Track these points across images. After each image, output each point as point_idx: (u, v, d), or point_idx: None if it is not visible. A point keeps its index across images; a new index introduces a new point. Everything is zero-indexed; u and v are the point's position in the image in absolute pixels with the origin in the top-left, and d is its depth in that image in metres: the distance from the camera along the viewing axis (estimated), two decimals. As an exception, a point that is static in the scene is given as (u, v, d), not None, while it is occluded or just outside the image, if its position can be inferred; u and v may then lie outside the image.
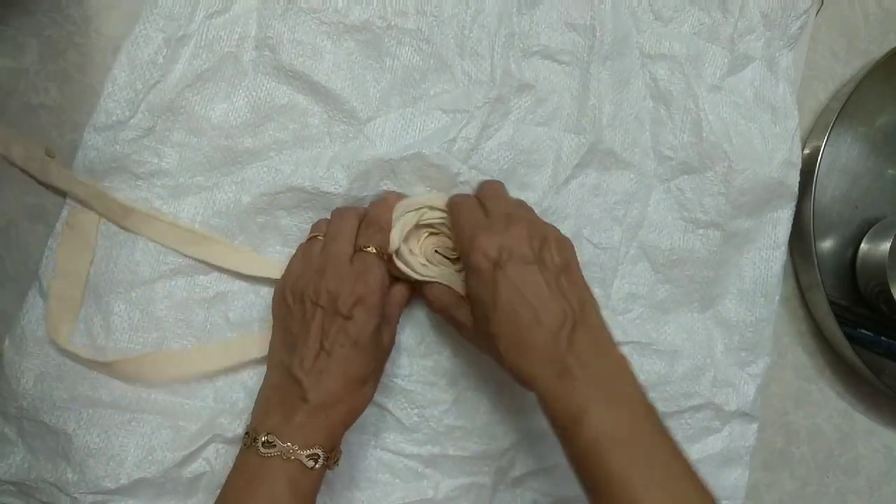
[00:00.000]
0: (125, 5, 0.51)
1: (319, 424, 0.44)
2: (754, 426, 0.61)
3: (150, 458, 0.49)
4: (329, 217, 0.52)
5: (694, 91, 0.58)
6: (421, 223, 0.51)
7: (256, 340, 0.51)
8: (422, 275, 0.50)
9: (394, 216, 0.51)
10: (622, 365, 0.45)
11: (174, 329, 0.51)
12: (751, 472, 0.61)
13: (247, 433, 0.45)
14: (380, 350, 0.48)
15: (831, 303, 0.61)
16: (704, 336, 0.60)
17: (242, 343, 0.51)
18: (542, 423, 0.46)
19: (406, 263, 0.50)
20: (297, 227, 0.52)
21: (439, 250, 0.52)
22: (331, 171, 0.51)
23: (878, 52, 0.66)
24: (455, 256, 0.52)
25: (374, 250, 0.48)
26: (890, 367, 0.65)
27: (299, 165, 0.52)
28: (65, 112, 0.51)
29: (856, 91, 0.61)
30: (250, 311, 0.52)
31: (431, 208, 0.52)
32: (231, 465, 0.49)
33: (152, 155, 0.50)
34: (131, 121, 0.49)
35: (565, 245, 0.48)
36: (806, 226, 0.61)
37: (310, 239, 0.51)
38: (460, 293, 0.50)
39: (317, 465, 0.43)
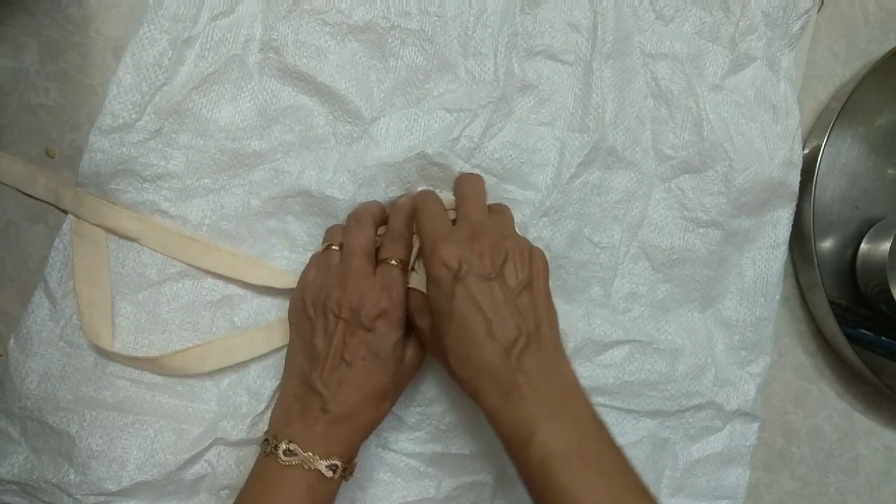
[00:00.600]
0: (125, 5, 0.51)
1: (339, 435, 0.45)
2: (755, 426, 0.61)
3: (152, 460, 0.49)
4: (340, 223, 0.51)
5: (695, 90, 0.58)
6: None
7: None
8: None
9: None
10: (572, 383, 0.45)
11: (179, 332, 0.51)
12: (751, 472, 0.61)
13: (266, 440, 0.45)
14: (401, 365, 0.48)
15: (831, 303, 0.61)
16: (705, 335, 0.60)
17: (284, 327, 0.51)
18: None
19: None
20: (306, 232, 0.52)
21: None
22: (337, 175, 0.51)
23: (878, 52, 0.66)
24: None
25: (397, 263, 0.48)
26: (890, 367, 0.65)
27: (305, 167, 0.52)
28: (65, 112, 0.50)
29: (856, 91, 0.61)
30: (256, 314, 0.52)
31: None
32: (233, 467, 0.50)
33: (159, 157, 0.50)
34: (137, 123, 0.49)
35: (534, 260, 0.47)
36: (806, 225, 0.61)
37: (325, 248, 0.50)
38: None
39: (335, 475, 0.44)
